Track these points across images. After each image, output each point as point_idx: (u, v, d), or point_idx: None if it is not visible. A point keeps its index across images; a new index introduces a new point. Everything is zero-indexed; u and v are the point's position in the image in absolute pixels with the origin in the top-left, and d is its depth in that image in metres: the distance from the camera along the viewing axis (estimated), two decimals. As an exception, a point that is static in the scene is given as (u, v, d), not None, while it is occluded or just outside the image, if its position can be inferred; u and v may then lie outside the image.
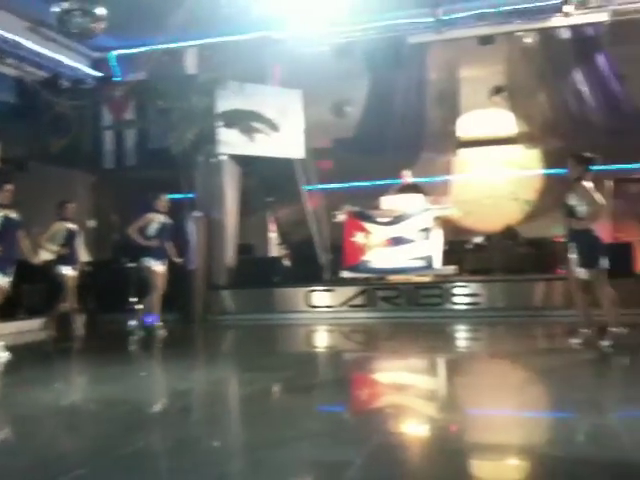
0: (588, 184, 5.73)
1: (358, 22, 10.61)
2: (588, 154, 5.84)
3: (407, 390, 4.97)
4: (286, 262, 11.07)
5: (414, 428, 3.86)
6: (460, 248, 11.75)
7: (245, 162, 10.86)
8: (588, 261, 5.69)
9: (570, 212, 5.78)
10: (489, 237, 12.10)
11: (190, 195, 10.33)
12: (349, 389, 5.16)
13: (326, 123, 12.03)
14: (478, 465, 3.10)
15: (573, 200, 5.76)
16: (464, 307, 9.07)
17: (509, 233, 11.94)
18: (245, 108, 10.14)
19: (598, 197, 5.65)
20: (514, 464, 3.12)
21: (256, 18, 9.82)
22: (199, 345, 8.56)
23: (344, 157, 11.95)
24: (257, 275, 10.03)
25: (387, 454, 3.12)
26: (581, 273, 5.74)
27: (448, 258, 9.78)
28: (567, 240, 5.95)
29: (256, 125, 10.17)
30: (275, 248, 11.96)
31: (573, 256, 5.80)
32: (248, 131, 10.16)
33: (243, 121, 10.15)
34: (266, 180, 11.37)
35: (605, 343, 5.68)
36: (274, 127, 10.24)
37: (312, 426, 3.72)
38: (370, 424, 3.74)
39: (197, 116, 9.94)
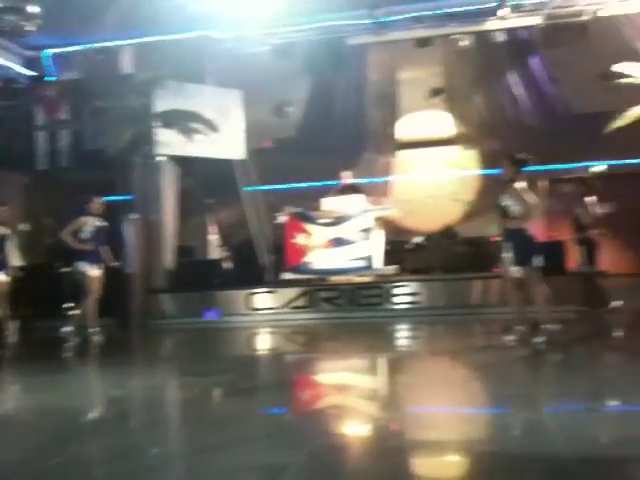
0: (521, 185, 5.87)
1: (298, 23, 10.63)
2: (521, 155, 5.97)
3: (348, 390, 4.98)
4: (227, 264, 10.94)
5: (355, 428, 3.87)
6: (401, 248, 11.88)
7: (184, 163, 10.69)
8: (522, 260, 5.83)
9: (504, 212, 5.91)
10: (429, 237, 12.27)
11: (127, 197, 10.10)
12: (290, 391, 5.13)
13: (267, 124, 11.98)
14: (417, 463, 3.12)
15: (507, 200, 5.89)
16: (404, 306, 9.16)
17: (448, 233, 12.14)
18: (184, 108, 10.02)
19: (531, 197, 5.79)
20: (453, 460, 3.16)
21: (194, 17, 9.69)
22: (137, 350, 8.37)
23: (285, 158, 11.91)
24: (197, 278, 9.87)
25: (325, 456, 3.11)
26: (515, 271, 5.87)
27: (389, 258, 9.86)
28: (502, 239, 6.08)
29: (195, 125, 10.05)
30: (215, 250, 11.81)
31: (508, 255, 5.93)
32: (187, 131, 10.03)
33: (181, 121, 10.02)
34: (206, 181, 11.21)
35: (538, 339, 5.83)
36: (213, 127, 10.13)
37: (252, 430, 3.68)
38: (310, 426, 3.73)
39: (134, 116, 9.75)
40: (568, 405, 3.90)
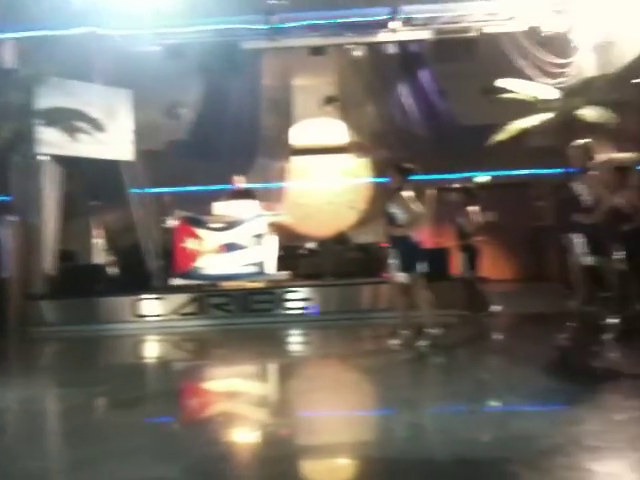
0: (408, 193, 6.02)
1: (191, 24, 10.42)
2: (408, 165, 6.13)
3: (238, 397, 4.91)
4: (112, 269, 10.53)
5: (242, 435, 3.81)
6: (294, 254, 11.92)
7: (68, 163, 10.17)
8: (407, 266, 5.98)
9: (391, 219, 6.04)
10: (322, 243, 12.39)
11: (4, 198, 9.51)
12: (177, 400, 4.99)
13: (158, 125, 11.66)
14: (304, 469, 3.10)
15: (394, 208, 6.03)
16: (296, 312, 9.18)
17: (340, 239, 12.32)
18: (68, 106, 9.58)
19: (417, 206, 5.95)
20: (339, 465, 3.17)
21: (82, 12, 9.31)
22: (12, 360, 7.86)
23: (176, 160, 11.64)
24: (80, 283, 9.42)
25: (209, 465, 3.03)
26: (401, 277, 6.01)
27: (282, 264, 9.86)
28: (389, 246, 6.21)
29: (80, 124, 9.63)
30: (100, 255, 11.33)
31: (394, 261, 6.06)
32: (71, 130, 9.59)
33: (65, 120, 9.57)
34: (91, 183, 10.72)
35: (422, 343, 6.00)
36: (99, 127, 9.75)
37: (134, 441, 3.56)
38: (197, 435, 3.64)
39: (13, 113, 9.19)
40: (449, 407, 4.02)
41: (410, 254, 5.99)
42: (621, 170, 7.41)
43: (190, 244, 9.40)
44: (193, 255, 9.40)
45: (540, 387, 4.45)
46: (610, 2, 9.55)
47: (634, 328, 6.92)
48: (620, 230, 7.07)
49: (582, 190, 5.75)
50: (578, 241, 5.76)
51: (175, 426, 4.12)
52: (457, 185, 9.43)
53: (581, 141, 6.03)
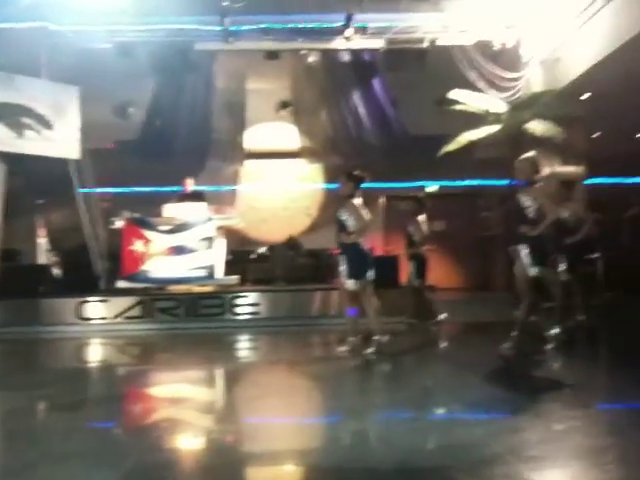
0: (358, 200, 6.05)
1: (144, 22, 10.26)
2: (358, 172, 6.16)
3: (182, 403, 4.83)
4: (56, 270, 10.25)
5: (186, 442, 3.75)
6: (244, 258, 11.85)
7: (12, 160, 9.89)
8: (355, 273, 6.00)
9: (341, 226, 6.06)
10: (272, 247, 12.35)
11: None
12: (120, 405, 4.87)
13: (107, 124, 11.43)
14: (247, 474, 3.06)
15: (344, 215, 6.05)
16: (245, 317, 9.11)
17: (291, 244, 12.29)
18: (13, 101, 9.29)
19: (365, 213, 5.97)
20: (282, 471, 3.15)
21: (31, 6, 9.07)
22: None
23: (125, 160, 11.43)
24: (22, 284, 9.14)
25: (148, 472, 2.97)
26: (349, 284, 6.03)
27: (232, 268, 9.78)
28: (338, 253, 6.22)
29: (25, 120, 9.35)
30: (44, 255, 11.03)
31: (343, 268, 6.08)
32: (16, 126, 9.31)
33: (10, 115, 9.29)
34: (36, 180, 10.45)
35: (369, 350, 6.03)
36: (46, 124, 9.49)
37: (74, 445, 3.47)
38: (139, 441, 3.56)
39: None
40: (393, 415, 4.04)
41: (359, 261, 6.01)
42: (566, 184, 7.64)
43: (138, 246, 9.22)
44: (140, 257, 9.22)
45: (483, 395, 4.52)
46: (557, 20, 9.82)
47: (575, 338, 7.13)
48: (564, 242, 7.29)
49: (528, 202, 5.87)
50: (523, 252, 5.88)
51: (117, 431, 4.03)
52: (407, 194, 9.51)
53: (528, 154, 6.16)
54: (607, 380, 5.18)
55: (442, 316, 8.20)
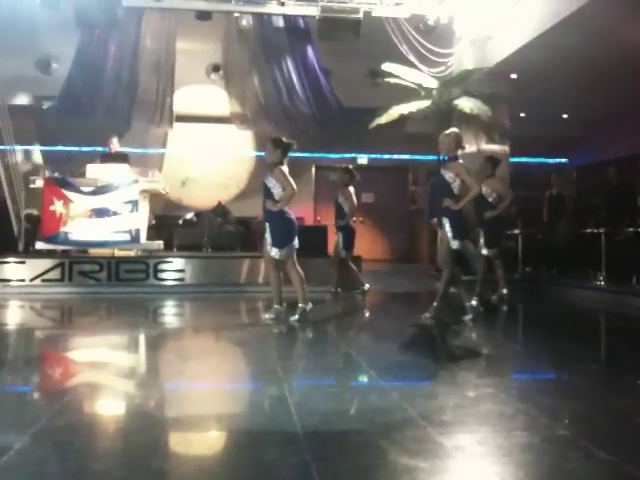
0: (284, 168, 6.02)
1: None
2: (285, 139, 6.11)
3: (102, 368, 4.71)
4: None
5: (103, 406, 3.68)
6: (171, 223, 11.67)
7: None
8: (280, 241, 6.00)
9: (267, 194, 6.03)
10: (200, 214, 12.20)
11: None
12: (37, 369, 4.72)
13: (28, 78, 10.91)
14: (164, 438, 3.03)
15: (270, 182, 6.01)
16: (170, 283, 9.00)
17: (219, 211, 12.17)
18: None
19: (291, 181, 5.95)
20: (198, 435, 3.14)
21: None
22: None
23: (47, 117, 10.95)
24: None
25: (60, 435, 2.90)
26: (274, 252, 6.03)
27: (158, 233, 9.61)
28: (264, 220, 6.20)
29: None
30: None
31: (267, 235, 6.07)
32: None
33: None
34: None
35: (293, 318, 6.08)
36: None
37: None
38: (54, 405, 3.45)
39: None
40: (312, 381, 4.10)
41: (284, 229, 6.01)
42: (490, 160, 7.85)
43: (58, 207, 8.91)
44: (61, 219, 8.92)
45: (401, 363, 4.64)
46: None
47: (496, 311, 7.42)
48: (484, 217, 7.52)
49: (450, 177, 6.01)
50: (445, 226, 6.03)
51: (32, 395, 3.92)
52: (338, 165, 9.55)
53: (450, 130, 6.29)
54: (523, 351, 5.40)
55: (366, 286, 8.34)
